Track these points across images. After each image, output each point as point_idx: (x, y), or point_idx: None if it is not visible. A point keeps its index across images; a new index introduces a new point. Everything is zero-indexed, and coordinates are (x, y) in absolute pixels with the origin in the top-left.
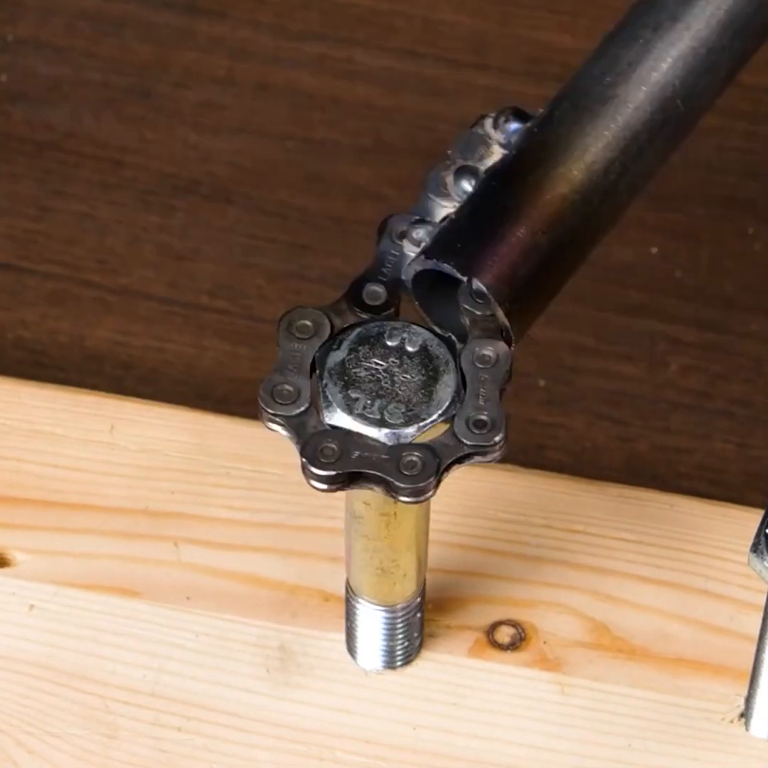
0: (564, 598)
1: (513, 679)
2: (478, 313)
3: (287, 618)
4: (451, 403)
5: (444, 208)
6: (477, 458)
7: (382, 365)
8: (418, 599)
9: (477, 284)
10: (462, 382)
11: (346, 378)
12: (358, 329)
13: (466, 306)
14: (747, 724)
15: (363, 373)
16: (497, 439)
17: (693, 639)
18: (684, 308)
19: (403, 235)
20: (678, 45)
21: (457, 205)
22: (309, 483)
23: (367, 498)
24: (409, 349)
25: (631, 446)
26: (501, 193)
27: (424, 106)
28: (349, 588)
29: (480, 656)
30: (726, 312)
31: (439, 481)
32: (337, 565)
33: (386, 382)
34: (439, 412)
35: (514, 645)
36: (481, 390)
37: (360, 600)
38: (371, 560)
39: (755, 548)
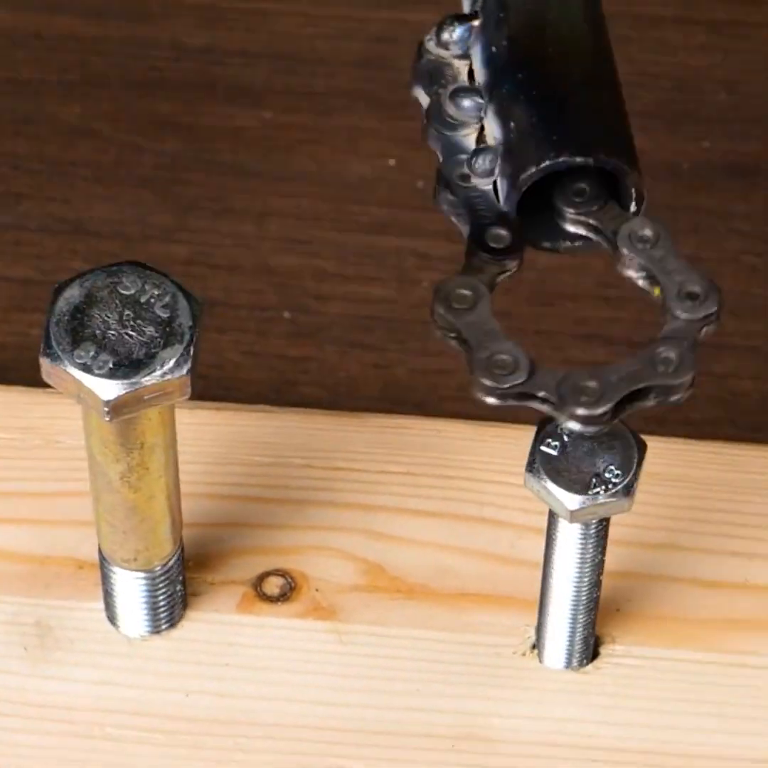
0: (333, 541)
1: (287, 632)
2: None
3: (40, 591)
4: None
5: (466, 134)
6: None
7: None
8: (177, 557)
9: (619, 166)
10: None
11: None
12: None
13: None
14: (540, 656)
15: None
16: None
17: (474, 571)
18: (430, 220)
19: (465, 177)
20: None
21: (480, 121)
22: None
23: (107, 444)
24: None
25: (389, 373)
26: (547, 81)
27: (132, 32)
28: (101, 553)
29: (249, 611)
30: None
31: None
32: (88, 529)
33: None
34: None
35: (285, 596)
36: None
37: (114, 565)
38: (121, 520)
39: (530, 467)
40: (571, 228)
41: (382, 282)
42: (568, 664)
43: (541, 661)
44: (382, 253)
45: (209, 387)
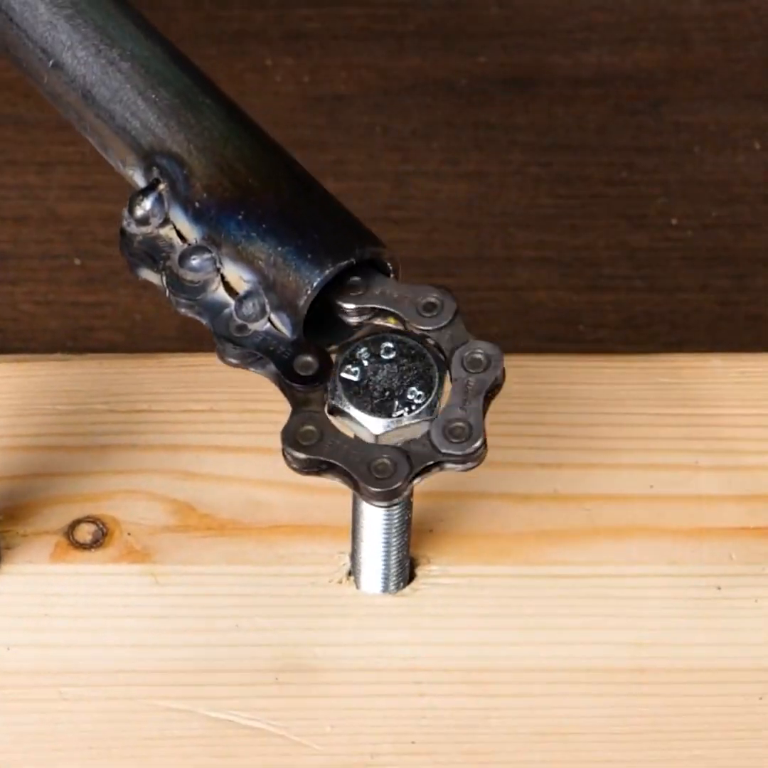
0: (141, 483)
1: (102, 578)
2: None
3: None
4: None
5: (216, 288)
6: (450, 466)
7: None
8: None
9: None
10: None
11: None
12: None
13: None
14: (357, 582)
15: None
16: (476, 446)
17: (284, 502)
18: None
19: (241, 328)
20: None
21: (218, 273)
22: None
23: None
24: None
25: None
26: (264, 202)
27: None
28: None
29: (63, 560)
30: None
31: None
32: None
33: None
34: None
35: (98, 542)
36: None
37: None
38: None
39: (332, 395)
40: (354, 319)
41: None
42: (385, 589)
43: (358, 587)
44: None
45: (6, 339)
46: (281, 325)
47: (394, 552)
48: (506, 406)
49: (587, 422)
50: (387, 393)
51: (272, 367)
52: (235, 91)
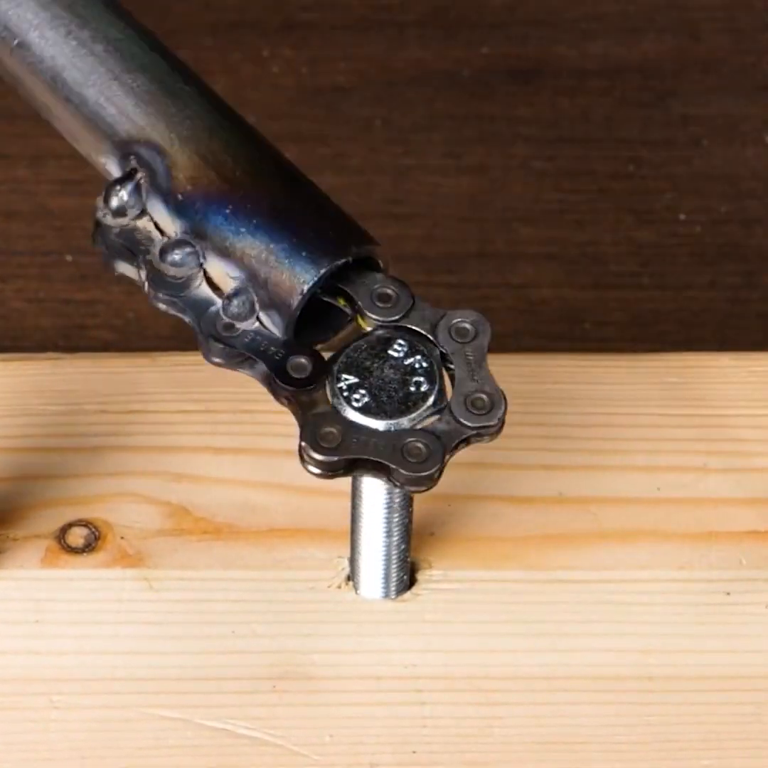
0: (134, 486)
1: (95, 583)
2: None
3: None
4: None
5: (200, 284)
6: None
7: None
8: None
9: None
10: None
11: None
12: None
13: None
14: (356, 587)
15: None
16: (501, 412)
17: (282, 505)
18: None
19: (229, 327)
20: None
21: (201, 268)
22: (306, 468)
23: None
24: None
25: None
26: (252, 196)
27: None
28: None
29: (55, 565)
30: None
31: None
32: None
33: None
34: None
35: (90, 546)
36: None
37: None
38: None
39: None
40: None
41: None
42: (386, 594)
43: (357, 593)
44: None
45: None
46: (271, 324)
47: (395, 555)
48: (510, 406)
49: (592, 423)
50: (396, 393)
51: (263, 367)
52: (232, 82)
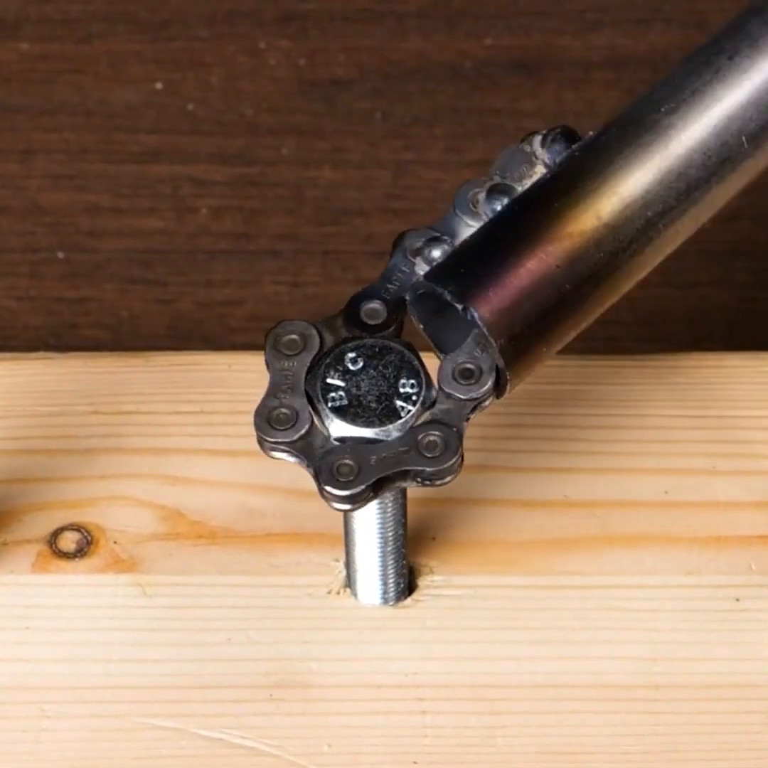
0: (127, 489)
1: (87, 589)
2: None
3: None
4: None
5: (469, 228)
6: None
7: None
8: None
9: (472, 313)
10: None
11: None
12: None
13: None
14: (354, 593)
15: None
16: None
17: (279, 509)
18: (203, 144)
19: (417, 253)
20: (753, 77)
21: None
22: (331, 505)
23: None
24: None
25: (173, 307)
26: (520, 217)
27: None
28: None
29: (46, 570)
30: (251, 140)
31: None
32: None
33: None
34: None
35: (82, 551)
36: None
37: None
38: None
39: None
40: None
41: (158, 213)
42: (385, 600)
43: (356, 598)
44: (156, 182)
45: None
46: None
47: (390, 558)
48: (513, 407)
49: (599, 424)
50: (381, 398)
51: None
52: (228, 74)
